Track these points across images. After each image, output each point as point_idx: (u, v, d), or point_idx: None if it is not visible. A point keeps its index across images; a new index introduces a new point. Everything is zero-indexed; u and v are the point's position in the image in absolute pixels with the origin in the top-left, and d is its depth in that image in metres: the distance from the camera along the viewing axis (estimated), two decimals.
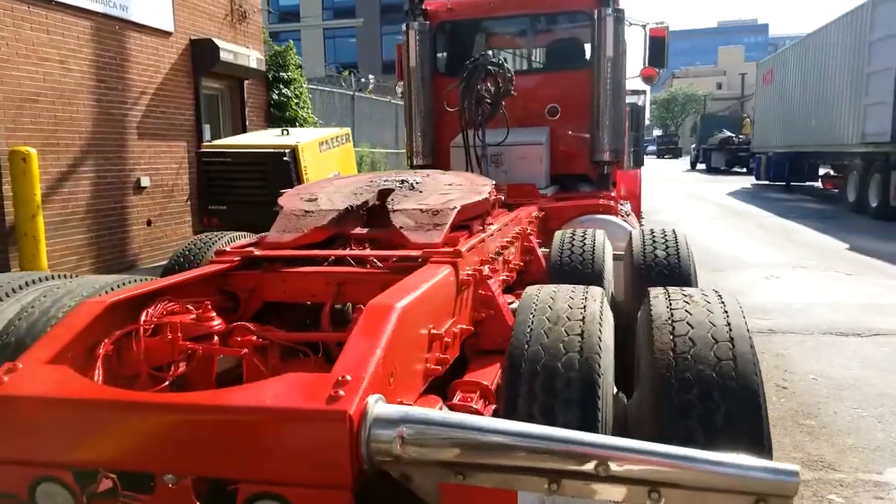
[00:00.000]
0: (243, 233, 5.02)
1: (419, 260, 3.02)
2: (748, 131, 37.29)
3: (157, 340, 2.56)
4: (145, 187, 10.62)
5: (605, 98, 6.86)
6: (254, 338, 2.75)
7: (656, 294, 2.48)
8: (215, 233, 4.88)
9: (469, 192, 3.76)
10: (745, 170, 36.38)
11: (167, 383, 2.44)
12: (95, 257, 9.60)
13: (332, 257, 3.27)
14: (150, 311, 2.66)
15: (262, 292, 3.20)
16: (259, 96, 14.20)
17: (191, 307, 2.87)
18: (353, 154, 11.76)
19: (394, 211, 3.52)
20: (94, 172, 9.62)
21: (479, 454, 1.74)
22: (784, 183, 25.89)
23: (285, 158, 9.44)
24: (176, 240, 11.28)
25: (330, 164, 11.72)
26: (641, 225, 8.03)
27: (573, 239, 4.10)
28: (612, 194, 6.80)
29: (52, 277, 3.25)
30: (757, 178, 28.96)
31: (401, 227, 3.38)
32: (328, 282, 3.13)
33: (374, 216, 3.77)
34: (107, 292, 2.97)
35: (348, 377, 1.85)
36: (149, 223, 10.69)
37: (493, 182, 4.18)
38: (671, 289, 2.53)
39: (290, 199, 3.85)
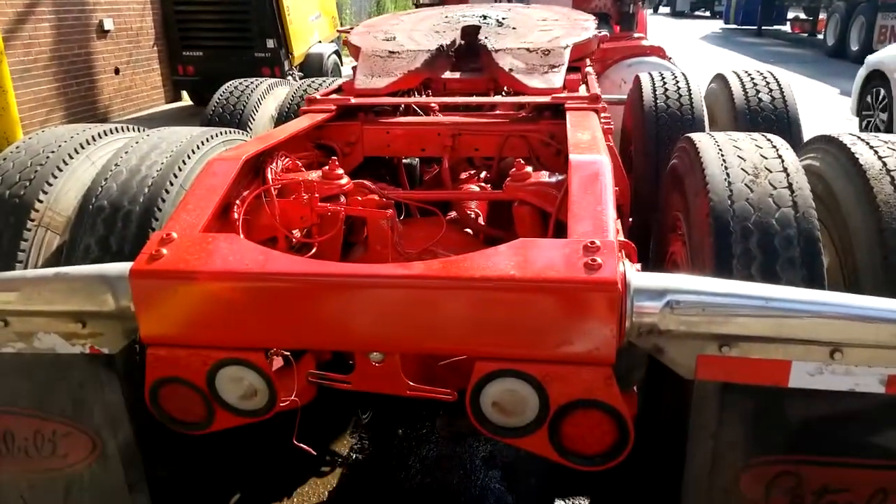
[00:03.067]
0: (278, 79, 4.52)
1: (551, 107, 2.70)
2: None
3: (291, 202, 2.24)
4: (109, 31, 9.59)
5: None
6: (375, 197, 2.46)
7: (853, 141, 2.25)
8: (253, 79, 4.36)
9: (571, 27, 3.36)
10: (709, 13, 35.48)
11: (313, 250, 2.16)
12: (65, 109, 8.80)
13: (447, 106, 2.90)
14: (272, 168, 2.31)
15: (362, 146, 2.86)
16: None
17: (300, 164, 2.54)
18: None
19: (495, 51, 3.12)
20: (53, 14, 8.57)
21: (754, 324, 1.56)
22: (755, 27, 25.35)
23: None
24: (146, 90, 10.43)
25: (311, 4, 10.77)
26: None
27: (664, 82, 3.77)
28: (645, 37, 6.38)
29: (117, 130, 2.82)
30: (726, 22, 28.27)
31: (511, 70, 3.01)
32: (441, 133, 2.80)
33: (461, 58, 3.36)
34: (198, 146, 2.58)
35: (597, 242, 1.60)
36: (116, 71, 9.77)
37: (593, 16, 3.76)
38: (862, 135, 2.30)
39: (365, 39, 3.39)
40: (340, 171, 2.37)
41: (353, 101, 2.89)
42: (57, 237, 2.48)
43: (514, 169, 2.27)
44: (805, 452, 1.61)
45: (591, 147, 2.07)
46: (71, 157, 2.55)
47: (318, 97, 2.91)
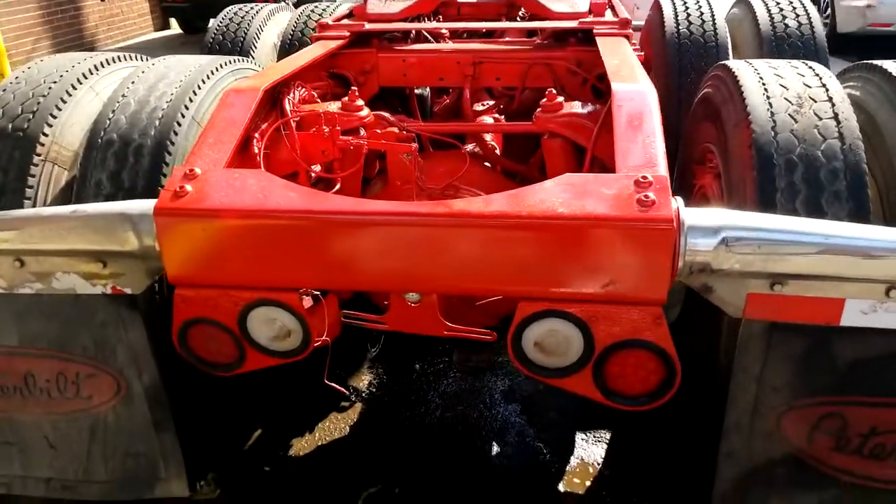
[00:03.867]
0: (279, 3, 4.31)
1: (578, 33, 2.57)
2: None
3: (312, 135, 2.14)
4: None
5: None
6: (395, 130, 2.35)
7: None
8: (253, 5, 4.16)
9: None
10: None
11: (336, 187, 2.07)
12: (51, 38, 8.47)
13: (464, 32, 2.76)
14: (290, 100, 2.20)
15: (378, 76, 2.73)
16: None
17: (314, 94, 2.42)
18: None
19: None
20: None
21: (810, 261, 1.51)
22: None
23: None
24: (133, 17, 10.04)
25: None
26: None
27: (686, 6, 3.60)
28: None
29: (120, 59, 2.67)
30: None
31: None
32: (461, 61, 2.67)
33: None
34: (208, 76, 2.45)
35: (649, 177, 1.53)
36: None
37: None
38: None
39: None
40: (360, 101, 2.26)
41: (368, 26, 2.74)
42: (65, 172, 2.37)
43: (544, 99, 2.17)
44: (853, 394, 1.58)
45: (631, 75, 1.96)
46: (74, 88, 2.43)
47: (330, 23, 2.76)
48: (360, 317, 1.79)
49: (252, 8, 4.09)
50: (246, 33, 3.88)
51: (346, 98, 2.26)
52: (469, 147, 2.72)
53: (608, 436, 2.74)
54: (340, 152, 2.16)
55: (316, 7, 4.03)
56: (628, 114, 1.75)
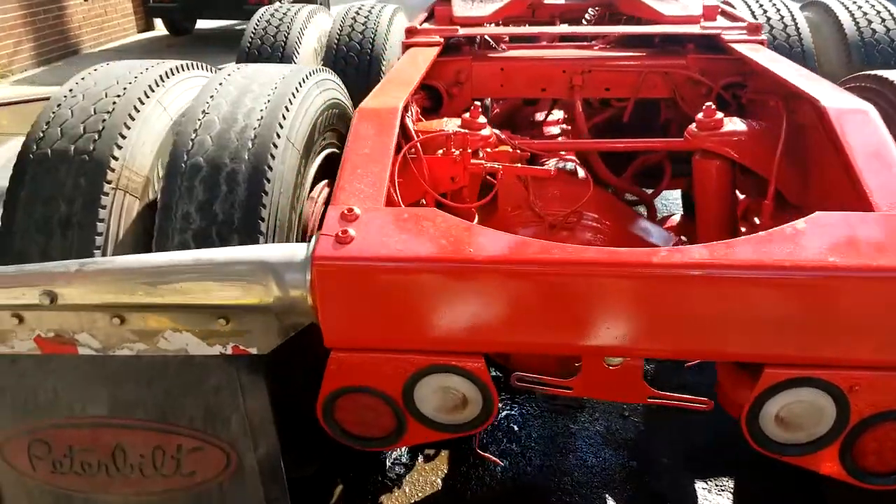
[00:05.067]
0: (314, 5, 3.98)
1: (699, 39, 2.32)
2: None
3: (440, 159, 1.85)
4: None
5: None
6: (507, 149, 2.07)
7: None
8: (288, 5, 3.82)
9: None
10: None
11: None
12: (34, 40, 7.98)
13: (560, 38, 2.49)
14: (410, 119, 1.91)
15: (472, 86, 2.44)
16: None
17: (416, 108, 2.13)
18: None
19: None
20: None
21: None
22: None
23: None
24: (116, 18, 9.56)
25: None
26: None
27: (764, 10, 3.38)
28: None
29: (182, 68, 2.33)
30: None
31: None
32: (567, 70, 2.40)
33: None
34: (296, 90, 2.14)
35: None
36: None
37: None
38: None
39: None
40: (483, 119, 1.97)
41: (462, 31, 2.45)
42: (136, 202, 2.04)
43: (700, 115, 1.91)
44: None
45: (830, 89, 1.71)
46: (142, 103, 2.09)
47: (418, 27, 2.46)
48: (541, 381, 1.50)
49: (290, 9, 3.76)
50: (287, 37, 3.56)
51: (469, 114, 1.97)
52: (567, 166, 2.46)
53: (731, 483, 2.50)
54: (470, 178, 1.87)
55: (360, 9, 3.72)
56: (859, 136, 1.50)
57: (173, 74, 2.26)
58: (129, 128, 2.01)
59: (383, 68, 3.47)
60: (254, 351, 1.53)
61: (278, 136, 1.97)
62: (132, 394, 1.62)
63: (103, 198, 1.92)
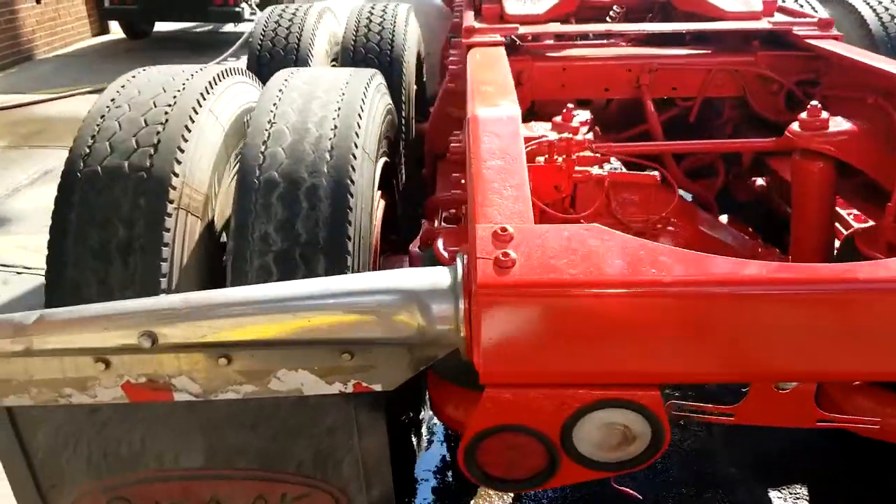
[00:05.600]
0: (321, 2, 3.79)
1: (767, 35, 2.24)
2: None
3: (543, 168, 1.71)
4: None
5: None
6: (588, 154, 1.96)
7: None
8: (296, 4, 3.62)
9: None
10: None
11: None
12: None
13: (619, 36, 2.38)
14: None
15: (531, 87, 2.32)
16: None
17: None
18: None
19: None
20: None
21: None
22: None
23: None
24: (71, 21, 9.10)
25: None
26: None
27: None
28: None
29: (228, 73, 2.13)
30: None
31: None
32: (632, 69, 2.30)
33: None
34: (364, 97, 1.98)
35: None
36: (38, 0, 8.41)
37: None
38: None
39: None
40: (577, 121, 1.85)
41: (522, 30, 2.32)
42: (198, 222, 1.85)
43: (804, 114, 1.83)
44: None
45: None
46: (196, 112, 1.90)
47: (476, 26, 2.32)
48: (700, 409, 1.39)
49: (298, 8, 3.57)
50: (300, 39, 3.36)
51: (560, 118, 1.84)
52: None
53: (805, 491, 2.43)
54: (574, 187, 1.74)
55: (374, 9, 3.56)
56: None
57: (221, 80, 2.07)
58: (186, 140, 1.82)
59: (404, 71, 3.31)
60: (377, 387, 1.37)
61: (356, 145, 1.81)
62: (234, 441, 1.45)
63: (167, 219, 1.72)
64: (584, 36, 2.55)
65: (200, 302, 1.30)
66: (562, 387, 1.24)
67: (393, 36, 3.37)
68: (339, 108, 1.89)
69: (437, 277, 1.27)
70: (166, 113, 1.86)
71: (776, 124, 2.33)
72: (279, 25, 3.42)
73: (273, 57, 3.31)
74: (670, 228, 2.03)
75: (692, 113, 2.35)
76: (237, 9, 8.47)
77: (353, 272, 1.71)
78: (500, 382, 1.23)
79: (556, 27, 2.39)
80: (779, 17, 2.41)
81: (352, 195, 1.73)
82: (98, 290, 1.69)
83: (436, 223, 2.45)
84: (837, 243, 1.95)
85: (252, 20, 8.66)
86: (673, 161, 2.25)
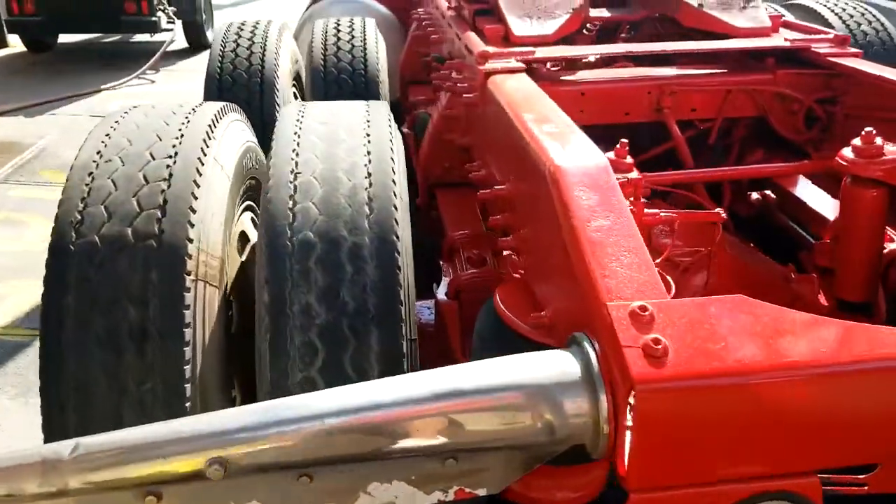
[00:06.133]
0: (279, 21, 3.50)
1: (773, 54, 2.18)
2: None
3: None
4: None
5: None
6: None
7: None
8: (256, 20, 3.32)
9: None
10: None
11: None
12: None
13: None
14: None
15: None
16: None
17: None
18: None
19: None
20: None
21: None
22: None
23: None
24: None
25: None
26: None
27: None
28: None
29: (224, 111, 1.86)
30: None
31: (700, 6, 2.41)
32: (652, 91, 2.19)
33: None
34: (391, 134, 1.76)
35: None
36: None
37: None
38: None
39: None
40: (629, 157, 1.71)
41: (539, 53, 2.16)
42: (216, 292, 1.59)
43: (857, 140, 1.75)
44: None
45: None
46: (202, 163, 1.64)
47: (491, 51, 2.13)
48: (833, 480, 1.27)
49: (257, 25, 3.27)
50: (263, 59, 3.08)
51: (614, 154, 1.69)
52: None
53: None
54: (645, 231, 1.60)
55: (340, 23, 3.32)
56: None
57: (218, 122, 1.81)
58: (196, 198, 1.56)
59: (381, 92, 3.10)
60: (482, 492, 1.19)
61: (395, 194, 1.60)
62: None
63: (185, 295, 1.46)
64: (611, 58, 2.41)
65: (281, 415, 1.08)
66: (718, 483, 1.08)
67: (365, 53, 3.15)
68: (370, 153, 1.67)
69: (563, 366, 1.10)
70: (168, 167, 1.59)
71: (793, 143, 2.28)
72: (238, 45, 3.13)
73: (235, 80, 3.02)
74: (712, 260, 1.92)
75: (712, 135, 2.26)
76: (153, 18, 7.92)
77: (406, 342, 1.51)
78: (650, 486, 1.07)
79: (574, 50, 2.24)
80: (786, 33, 2.36)
81: (399, 253, 1.53)
82: (109, 386, 1.41)
83: (458, 266, 2.27)
84: None
85: (170, 30, 8.16)
86: (703, 188, 2.15)
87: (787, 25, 2.46)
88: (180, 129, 1.70)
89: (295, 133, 1.72)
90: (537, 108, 1.69)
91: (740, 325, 1.07)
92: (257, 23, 3.30)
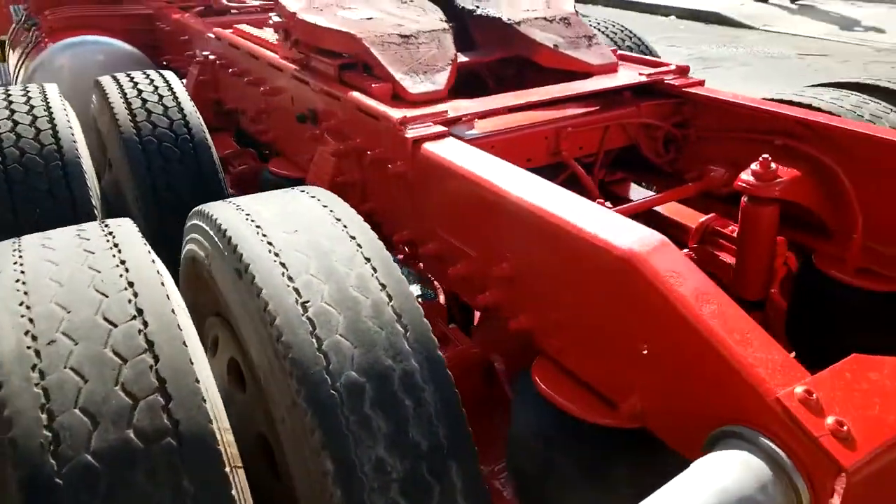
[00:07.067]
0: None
1: (641, 87, 2.40)
2: None
3: None
4: None
5: None
6: None
7: None
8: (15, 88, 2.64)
9: None
10: None
11: None
12: None
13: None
14: None
15: None
16: None
17: None
18: None
19: (517, 23, 2.54)
20: None
21: None
22: None
23: None
24: None
25: None
26: None
27: None
28: None
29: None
30: None
31: (556, 46, 2.51)
32: (548, 136, 2.25)
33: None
34: (372, 231, 1.54)
35: None
36: None
37: None
38: None
39: (331, 16, 2.40)
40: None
41: (452, 113, 2.07)
42: (241, 472, 1.26)
43: (755, 165, 2.00)
44: None
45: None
46: (174, 312, 1.27)
47: (409, 115, 1.98)
48: None
49: (28, 88, 2.62)
50: (52, 122, 2.47)
51: None
52: None
53: None
54: None
55: (135, 78, 2.82)
56: None
57: (148, 246, 1.41)
58: (192, 363, 1.22)
59: (210, 145, 2.71)
60: None
61: (412, 296, 1.42)
62: None
63: (233, 495, 1.14)
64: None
65: None
66: None
67: (178, 103, 2.72)
68: (368, 259, 1.46)
69: (748, 469, 1.08)
70: (141, 331, 1.21)
71: (654, 165, 2.51)
72: (16, 121, 2.49)
73: (28, 168, 2.41)
74: None
75: (596, 167, 2.39)
76: None
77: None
78: None
79: (483, 104, 2.18)
80: (634, 67, 2.58)
81: (442, 363, 1.37)
82: None
83: None
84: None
85: None
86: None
87: (624, 58, 2.69)
88: (120, 274, 1.31)
89: (270, 252, 1.42)
90: (521, 180, 1.64)
91: (876, 384, 1.16)
92: (27, 87, 2.65)
